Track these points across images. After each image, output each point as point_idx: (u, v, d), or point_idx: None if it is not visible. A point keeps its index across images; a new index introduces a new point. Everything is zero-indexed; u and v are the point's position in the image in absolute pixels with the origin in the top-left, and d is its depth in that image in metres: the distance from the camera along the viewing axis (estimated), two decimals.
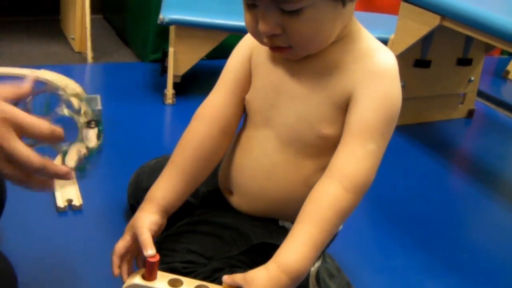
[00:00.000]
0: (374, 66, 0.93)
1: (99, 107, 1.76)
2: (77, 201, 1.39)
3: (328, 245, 1.11)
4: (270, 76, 1.00)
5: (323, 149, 0.97)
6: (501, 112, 2.48)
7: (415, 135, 2.09)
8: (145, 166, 1.32)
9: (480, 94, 2.50)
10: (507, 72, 2.95)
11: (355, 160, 0.91)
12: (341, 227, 1.11)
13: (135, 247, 0.98)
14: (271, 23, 0.85)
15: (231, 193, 1.10)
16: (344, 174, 0.90)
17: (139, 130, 1.85)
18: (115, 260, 0.97)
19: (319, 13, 0.85)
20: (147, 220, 0.97)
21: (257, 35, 0.92)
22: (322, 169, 0.94)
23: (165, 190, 1.02)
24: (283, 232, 1.00)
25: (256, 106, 1.03)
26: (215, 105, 1.05)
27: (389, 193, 1.68)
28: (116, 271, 0.96)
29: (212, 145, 1.04)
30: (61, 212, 1.37)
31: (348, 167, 0.90)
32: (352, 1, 0.90)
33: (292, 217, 0.94)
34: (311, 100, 0.96)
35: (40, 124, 0.77)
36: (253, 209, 1.07)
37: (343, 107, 0.94)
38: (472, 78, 2.26)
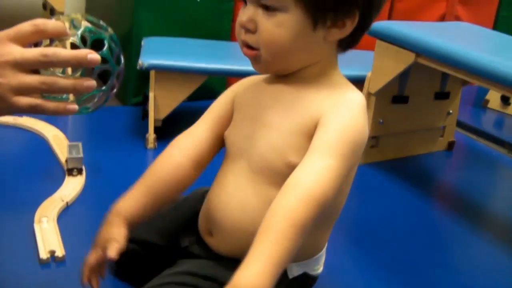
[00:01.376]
0: (344, 99, 0.97)
1: (80, 154, 1.76)
2: (60, 252, 1.39)
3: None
4: (248, 109, 1.05)
5: None
6: (481, 142, 2.51)
7: (396, 171, 2.10)
8: None
9: (460, 124, 2.54)
10: (487, 101, 2.99)
11: (312, 171, 0.91)
12: (321, 269, 1.12)
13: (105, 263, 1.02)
14: (248, 15, 0.93)
15: (210, 234, 1.10)
16: (299, 185, 0.90)
17: (121, 176, 1.84)
18: (86, 271, 1.00)
19: (290, 23, 0.91)
20: (117, 232, 1.01)
21: (239, 34, 0.97)
22: None
23: (132, 207, 1.06)
24: None
25: (232, 138, 1.07)
26: (192, 137, 1.11)
27: (372, 232, 1.69)
28: (85, 279, 1.00)
29: (183, 173, 1.08)
30: (43, 264, 1.36)
31: (304, 178, 0.90)
32: (326, 34, 0.94)
33: None
34: (282, 129, 0.99)
35: (39, 52, 0.79)
36: (231, 247, 1.06)
37: (311, 135, 0.96)
38: (451, 111, 2.29)
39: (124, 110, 2.42)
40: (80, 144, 1.80)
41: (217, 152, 1.11)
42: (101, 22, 0.87)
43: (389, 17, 2.97)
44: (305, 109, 0.97)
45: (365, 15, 0.94)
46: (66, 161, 1.77)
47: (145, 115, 2.10)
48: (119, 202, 1.07)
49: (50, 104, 0.83)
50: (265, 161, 1.00)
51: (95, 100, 0.87)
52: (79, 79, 0.82)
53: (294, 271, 1.07)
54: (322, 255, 1.13)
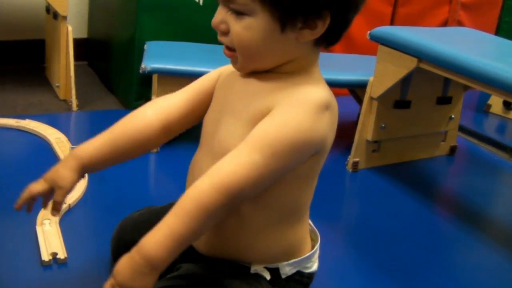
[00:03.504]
0: (297, 93, 0.97)
1: None
2: (62, 254, 1.39)
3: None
4: (222, 94, 1.08)
5: None
6: (483, 147, 2.51)
7: (398, 175, 2.11)
8: (128, 218, 1.33)
9: (462, 129, 2.54)
10: (489, 106, 2.99)
11: (235, 163, 0.93)
12: (315, 266, 1.13)
13: (48, 196, 1.10)
14: (219, 17, 0.96)
15: None
16: (217, 173, 0.93)
17: (123, 180, 1.85)
18: (26, 197, 1.08)
19: (257, 27, 0.93)
20: (70, 181, 1.08)
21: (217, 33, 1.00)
22: None
23: (92, 154, 1.10)
24: (260, 280, 1.05)
25: (204, 122, 1.11)
26: (169, 102, 1.13)
27: (373, 235, 1.69)
28: (20, 203, 1.09)
29: (151, 133, 1.12)
30: (45, 266, 1.37)
31: (225, 167, 0.93)
32: (298, 35, 0.95)
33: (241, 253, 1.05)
34: (241, 117, 1.00)
35: None
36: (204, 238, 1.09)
37: None
38: (453, 116, 2.29)
39: (126, 114, 2.41)
40: None
41: (190, 125, 1.15)
42: None
43: (392, 23, 2.98)
44: (263, 99, 0.98)
45: (339, 15, 0.94)
46: None
47: None
48: (82, 145, 1.10)
49: None
50: (222, 147, 1.01)
51: None
52: None
53: (287, 270, 1.08)
54: (314, 253, 1.13)
